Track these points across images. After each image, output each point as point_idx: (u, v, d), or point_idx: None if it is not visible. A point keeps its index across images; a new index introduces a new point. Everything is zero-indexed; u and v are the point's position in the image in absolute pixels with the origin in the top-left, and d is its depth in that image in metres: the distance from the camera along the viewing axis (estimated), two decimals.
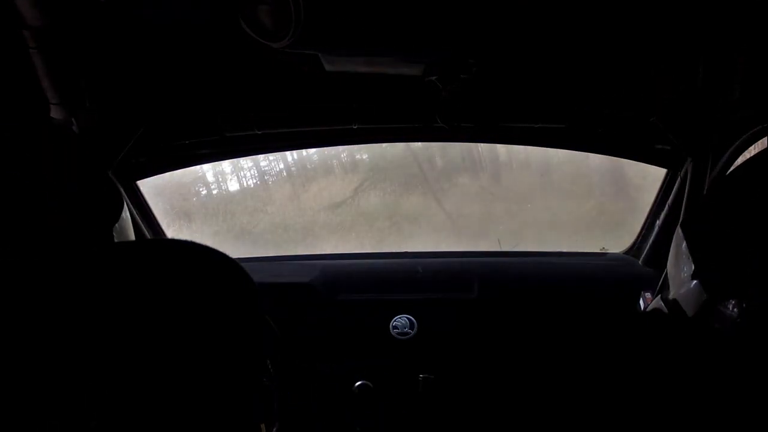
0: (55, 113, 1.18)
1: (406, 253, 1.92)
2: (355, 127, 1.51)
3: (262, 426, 0.87)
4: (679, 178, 1.54)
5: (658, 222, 1.67)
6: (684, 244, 0.77)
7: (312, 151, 3.88)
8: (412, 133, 1.72)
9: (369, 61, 1.20)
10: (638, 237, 1.78)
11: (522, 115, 1.48)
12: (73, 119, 1.23)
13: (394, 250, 1.97)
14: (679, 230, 0.80)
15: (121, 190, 1.57)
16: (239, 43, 1.08)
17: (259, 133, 1.50)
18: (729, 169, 1.49)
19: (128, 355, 0.39)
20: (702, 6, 1.08)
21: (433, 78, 1.23)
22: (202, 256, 0.47)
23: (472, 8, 1.05)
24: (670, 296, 0.81)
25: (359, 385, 1.57)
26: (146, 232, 1.67)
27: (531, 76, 1.33)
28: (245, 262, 1.83)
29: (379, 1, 1.03)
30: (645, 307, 1.57)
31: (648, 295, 1.60)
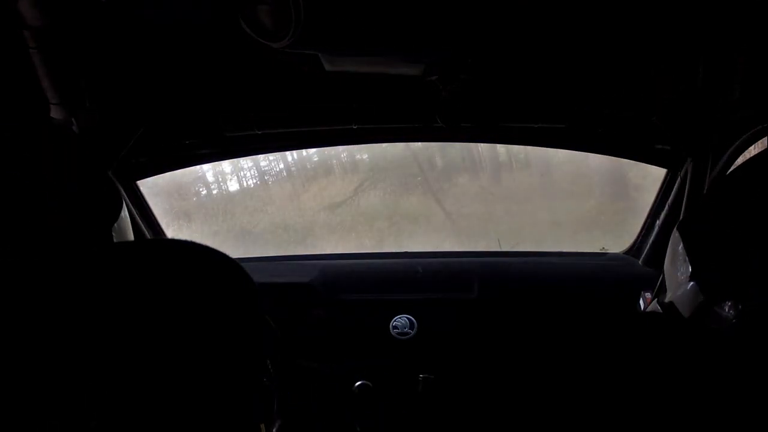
0: (55, 113, 1.18)
1: (406, 253, 1.92)
2: (355, 127, 1.51)
3: (262, 426, 0.87)
4: (679, 178, 1.54)
5: (658, 222, 1.66)
6: (681, 246, 0.77)
7: (312, 151, 3.88)
8: (412, 133, 1.72)
9: (369, 61, 1.20)
10: (638, 237, 1.78)
11: (522, 115, 1.48)
12: (73, 119, 1.22)
13: (394, 250, 1.98)
14: (675, 232, 0.80)
15: (121, 190, 1.57)
16: (239, 43, 1.08)
17: (259, 133, 1.50)
18: (729, 169, 1.49)
19: (128, 355, 0.39)
20: (702, 6, 1.09)
21: (433, 78, 1.23)
22: (202, 256, 0.47)
23: (472, 8, 1.05)
24: (667, 299, 0.81)
25: (359, 385, 1.57)
26: (146, 232, 1.67)
27: (531, 76, 1.33)
28: (245, 262, 1.83)
29: (379, 2, 1.03)
30: (645, 308, 1.57)
31: (648, 295, 1.60)
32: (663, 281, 1.42)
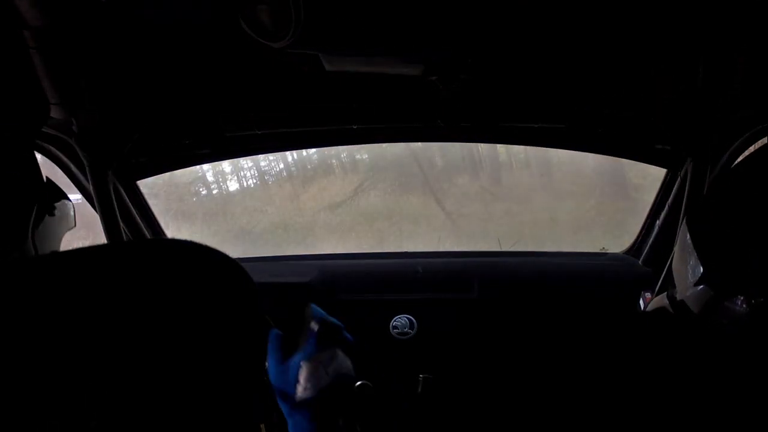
0: (55, 113, 1.18)
1: (406, 253, 1.92)
2: (355, 127, 1.51)
3: (262, 426, 0.87)
4: (679, 178, 1.54)
5: (658, 222, 1.67)
6: (688, 238, 0.76)
7: (312, 151, 3.89)
8: (412, 133, 1.72)
9: (369, 61, 1.20)
10: (638, 237, 1.78)
11: (522, 115, 1.48)
12: (73, 119, 1.22)
13: (394, 250, 1.98)
14: (684, 226, 0.79)
15: (121, 189, 1.57)
16: (239, 43, 1.08)
17: (259, 133, 1.50)
18: (729, 169, 1.49)
19: (128, 355, 0.39)
20: (702, 6, 1.08)
21: (433, 78, 1.23)
22: (202, 256, 0.47)
23: (471, 8, 1.05)
24: (678, 296, 0.80)
25: (359, 385, 1.57)
26: (146, 232, 1.67)
27: (531, 76, 1.33)
28: (245, 262, 1.83)
29: (379, 2, 1.02)
30: (645, 307, 1.57)
31: (648, 295, 1.60)
32: (668, 277, 1.41)
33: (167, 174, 1.71)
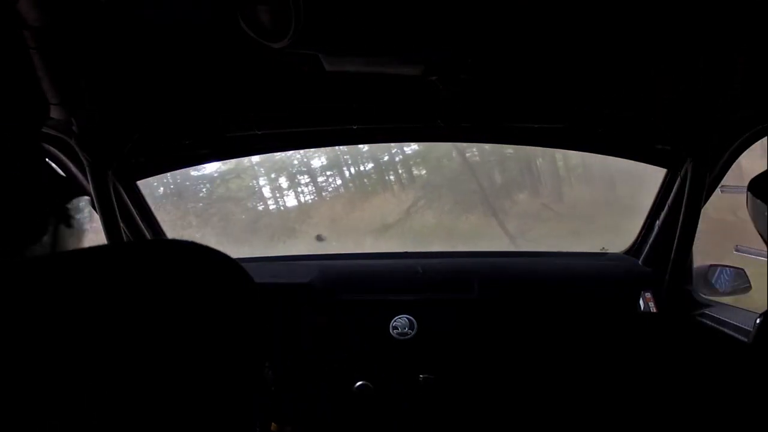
0: (55, 113, 1.17)
1: (406, 253, 1.92)
2: (356, 127, 1.51)
3: (273, 425, 0.87)
4: (679, 178, 1.54)
5: (658, 222, 1.67)
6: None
7: (369, 165, 3.83)
8: (413, 133, 1.72)
9: (369, 61, 1.20)
10: (638, 237, 1.78)
11: (522, 115, 1.48)
12: (73, 119, 1.22)
13: (393, 250, 1.98)
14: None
15: (121, 189, 1.57)
16: (239, 43, 1.08)
17: (259, 133, 1.50)
18: (729, 169, 1.50)
19: (129, 355, 0.39)
20: (702, 6, 1.08)
21: (433, 78, 1.23)
22: (203, 256, 0.47)
23: (471, 8, 1.05)
24: None
25: (359, 385, 1.57)
26: (146, 233, 1.67)
27: (531, 76, 1.33)
28: (245, 262, 1.83)
29: (379, 2, 1.03)
30: (645, 307, 1.57)
31: (648, 295, 1.60)
32: (671, 274, 1.39)
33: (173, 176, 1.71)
